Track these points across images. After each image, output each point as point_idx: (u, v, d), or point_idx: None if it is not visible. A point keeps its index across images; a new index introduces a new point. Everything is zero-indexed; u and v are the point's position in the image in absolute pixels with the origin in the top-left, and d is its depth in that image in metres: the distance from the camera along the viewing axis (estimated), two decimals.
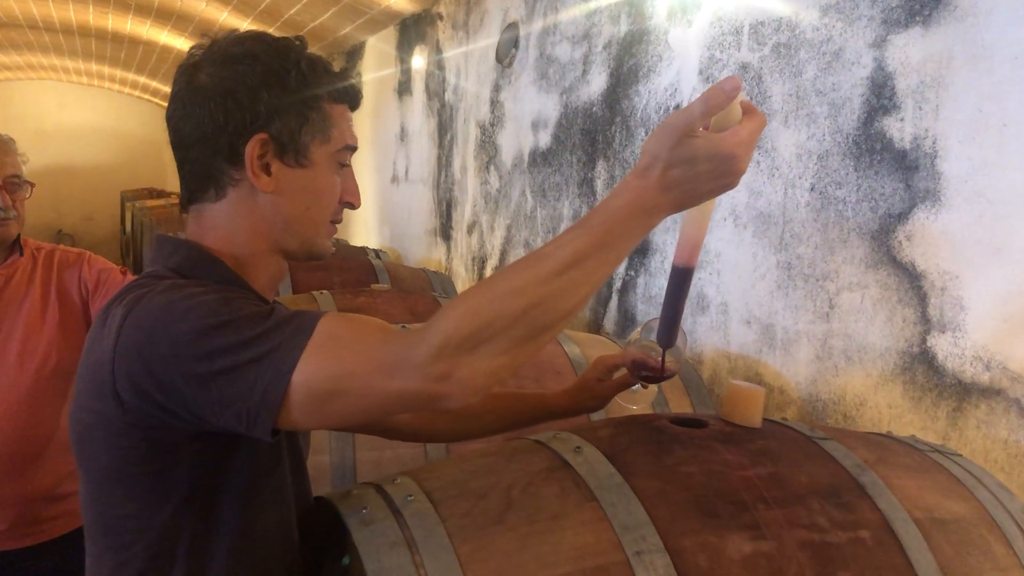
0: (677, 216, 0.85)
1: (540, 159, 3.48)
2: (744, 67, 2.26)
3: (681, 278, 1.01)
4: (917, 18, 1.77)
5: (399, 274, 3.47)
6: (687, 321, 2.45)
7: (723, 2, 2.35)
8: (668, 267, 1.16)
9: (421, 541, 0.90)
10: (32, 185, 1.79)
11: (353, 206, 1.03)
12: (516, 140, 3.72)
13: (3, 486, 1.68)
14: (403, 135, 5.45)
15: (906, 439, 1.31)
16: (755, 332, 2.23)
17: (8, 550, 1.70)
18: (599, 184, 3.03)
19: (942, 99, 1.71)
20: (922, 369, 1.77)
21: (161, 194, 9.91)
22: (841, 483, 1.08)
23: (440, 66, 4.73)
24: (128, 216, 9.25)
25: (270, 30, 3.82)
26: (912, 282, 1.79)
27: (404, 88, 5.42)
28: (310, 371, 0.79)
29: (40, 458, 1.72)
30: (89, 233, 12.19)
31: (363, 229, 6.32)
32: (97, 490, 0.93)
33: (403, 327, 1.88)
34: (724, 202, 2.31)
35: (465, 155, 4.37)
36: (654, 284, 2.72)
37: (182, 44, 7.63)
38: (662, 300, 1.08)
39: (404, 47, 5.37)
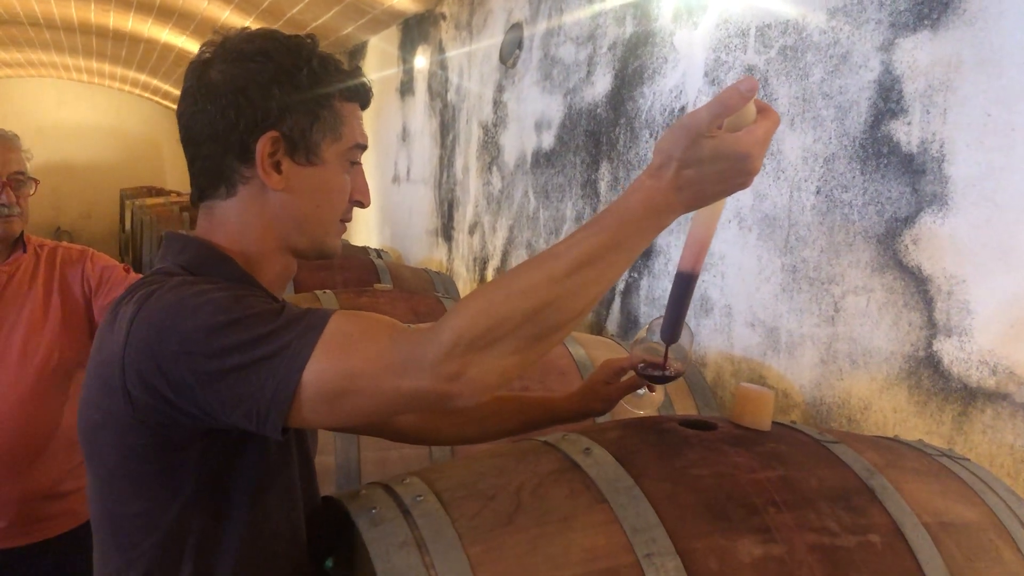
0: (682, 218, 0.85)
1: (543, 160, 3.48)
2: (750, 69, 2.25)
3: (686, 282, 1.01)
4: (926, 22, 1.76)
5: (401, 274, 3.46)
6: (691, 323, 2.44)
7: (730, 4, 2.35)
8: (672, 269, 1.16)
9: (431, 542, 0.90)
10: (36, 182, 1.78)
11: (363, 204, 1.03)
12: (519, 141, 3.72)
13: (4, 484, 1.67)
14: (405, 135, 5.45)
15: (914, 443, 1.31)
16: (759, 335, 2.22)
17: (8, 548, 1.69)
18: (603, 186, 3.03)
19: (950, 103, 1.71)
20: (928, 373, 1.76)
21: (161, 192, 9.91)
22: (851, 487, 1.08)
23: (443, 66, 4.73)
24: (128, 214, 9.24)
25: None
26: (918, 286, 1.78)
27: (406, 88, 5.41)
28: (321, 369, 0.79)
29: (41, 456, 1.71)
30: (88, 231, 12.18)
31: (364, 229, 6.31)
32: (105, 487, 0.92)
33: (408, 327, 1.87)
34: (729, 204, 2.29)
35: (467, 155, 4.36)
36: (657, 286, 2.72)
37: (183, 42, 7.63)
38: (665, 302, 1.08)
39: (407, 47, 5.37)
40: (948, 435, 1.72)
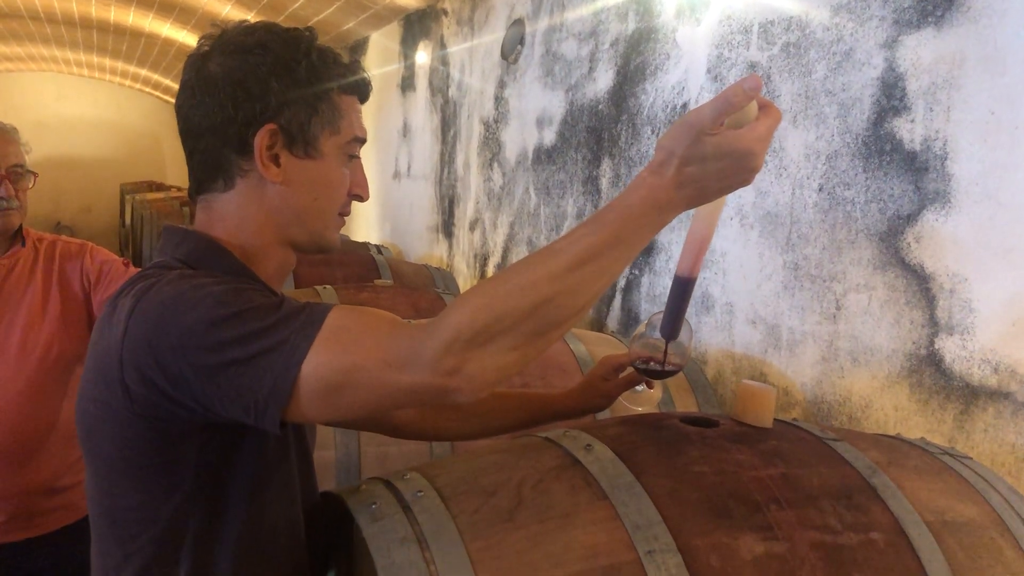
0: (683, 215, 0.84)
1: (544, 156, 3.47)
2: (753, 66, 2.24)
3: (684, 285, 1.00)
4: (929, 19, 1.75)
5: (401, 270, 3.46)
6: (691, 320, 2.43)
7: (732, 0, 2.34)
8: (673, 266, 1.16)
9: (431, 537, 0.89)
10: (35, 175, 1.77)
11: (362, 198, 1.02)
12: (520, 137, 3.71)
13: (2, 478, 1.66)
14: (406, 131, 5.44)
15: (916, 441, 1.30)
16: (760, 332, 2.22)
17: (7, 543, 1.69)
18: (604, 182, 3.02)
19: (953, 101, 1.70)
20: (929, 371, 1.76)
21: (161, 187, 9.89)
22: (853, 485, 1.07)
23: (444, 62, 4.72)
24: (128, 209, 9.22)
25: None
26: (920, 284, 1.78)
27: (407, 84, 5.40)
28: (319, 363, 0.78)
29: (40, 450, 1.71)
30: (88, 226, 12.16)
31: (364, 225, 6.31)
32: (103, 481, 0.92)
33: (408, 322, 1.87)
34: (730, 201, 2.30)
35: (468, 151, 4.35)
36: (658, 283, 2.71)
37: (184, 37, 7.62)
38: (666, 299, 1.07)
39: (408, 42, 5.36)
40: (950, 433, 1.72)
